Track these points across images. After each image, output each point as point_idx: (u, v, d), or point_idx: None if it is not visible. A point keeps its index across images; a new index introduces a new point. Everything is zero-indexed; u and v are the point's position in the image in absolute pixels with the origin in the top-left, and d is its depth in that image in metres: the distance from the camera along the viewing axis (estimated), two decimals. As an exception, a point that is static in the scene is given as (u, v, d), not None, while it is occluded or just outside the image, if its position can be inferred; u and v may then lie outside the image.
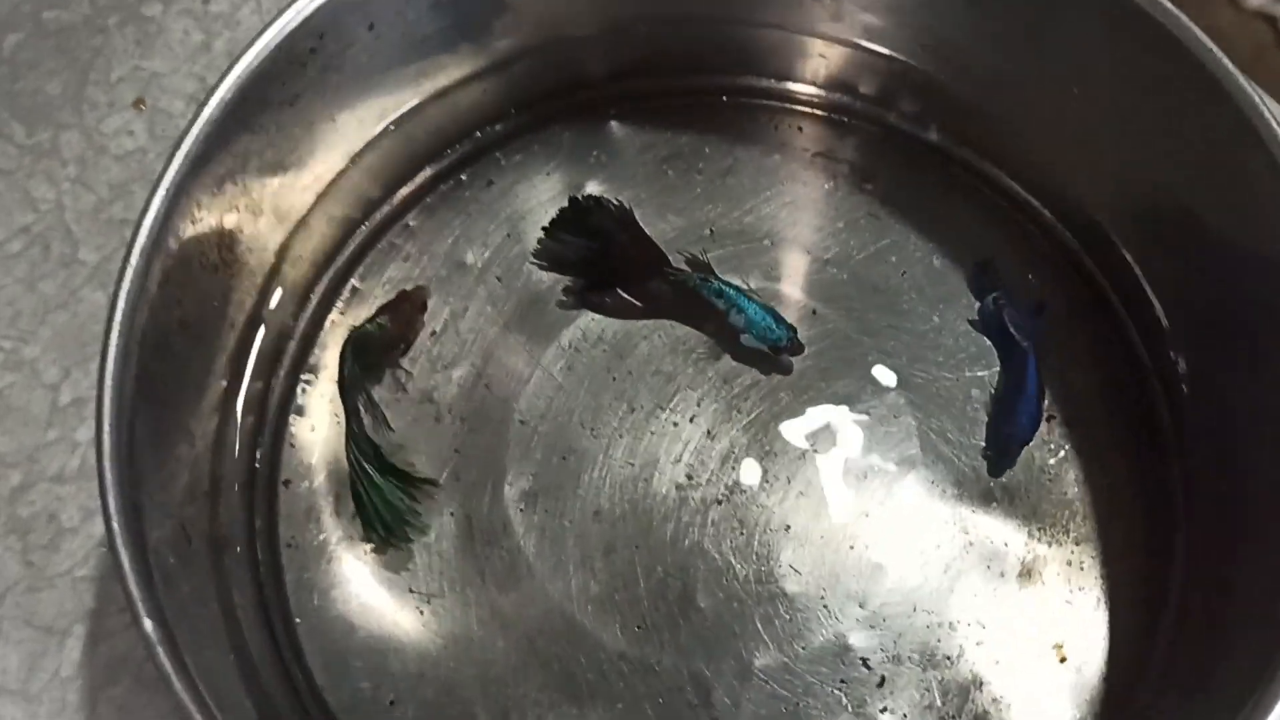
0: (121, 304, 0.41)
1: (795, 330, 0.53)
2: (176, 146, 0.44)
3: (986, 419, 0.53)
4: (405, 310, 0.55)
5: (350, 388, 0.53)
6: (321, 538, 0.52)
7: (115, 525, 0.38)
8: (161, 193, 0.43)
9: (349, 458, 0.52)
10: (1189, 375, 0.53)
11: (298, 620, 0.51)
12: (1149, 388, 0.54)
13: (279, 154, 0.50)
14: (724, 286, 0.54)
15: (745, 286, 0.54)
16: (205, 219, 0.46)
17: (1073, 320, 0.56)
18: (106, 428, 0.39)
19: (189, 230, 0.45)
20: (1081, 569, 0.51)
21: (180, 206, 0.43)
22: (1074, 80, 0.51)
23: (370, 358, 0.54)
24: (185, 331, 0.46)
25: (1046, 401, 0.53)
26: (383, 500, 0.51)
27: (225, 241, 0.48)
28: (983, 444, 0.53)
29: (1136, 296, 0.54)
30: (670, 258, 0.55)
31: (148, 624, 0.37)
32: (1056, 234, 0.57)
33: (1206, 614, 0.48)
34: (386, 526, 0.51)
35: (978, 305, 0.55)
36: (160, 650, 0.37)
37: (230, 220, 0.48)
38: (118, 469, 0.39)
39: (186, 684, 0.37)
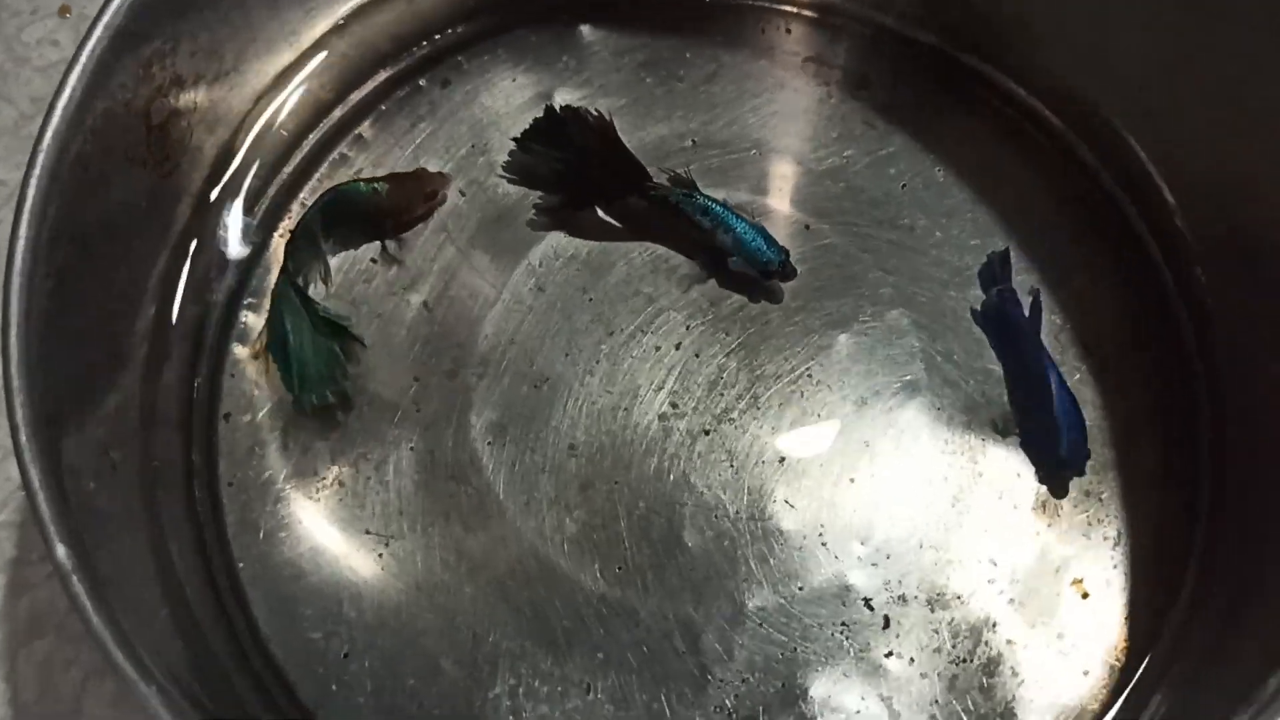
0: (33, 189, 0.36)
1: (788, 253, 0.49)
2: (98, 18, 0.38)
3: (1020, 438, 0.48)
4: (410, 187, 0.50)
5: (303, 235, 0.48)
6: (266, 475, 0.47)
7: (23, 438, 0.33)
8: (80, 67, 0.37)
9: (274, 296, 0.47)
10: (1210, 289, 0.49)
11: (240, 564, 0.46)
12: (1170, 307, 0.50)
13: (214, 40, 0.44)
14: (710, 203, 0.49)
15: (732, 204, 0.49)
16: (131, 103, 0.40)
17: (1086, 239, 0.52)
18: (14, 323, 0.33)
19: (112, 113, 0.39)
20: (1100, 500, 0.47)
21: (102, 84, 0.38)
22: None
23: (349, 220, 0.49)
24: (108, 233, 0.41)
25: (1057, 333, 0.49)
26: (310, 347, 0.47)
27: (156, 135, 0.43)
28: (983, 390, 0.49)
29: (1154, 203, 0.50)
30: (650, 172, 0.50)
31: (60, 550, 0.32)
32: (1067, 141, 0.53)
33: (1237, 543, 0.44)
34: (307, 379, 0.47)
35: (983, 298, 0.50)
36: (75, 579, 0.32)
37: (160, 110, 0.43)
38: (26, 373, 0.34)
39: (107, 621, 0.32)
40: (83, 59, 0.37)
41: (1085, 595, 0.46)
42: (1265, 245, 0.45)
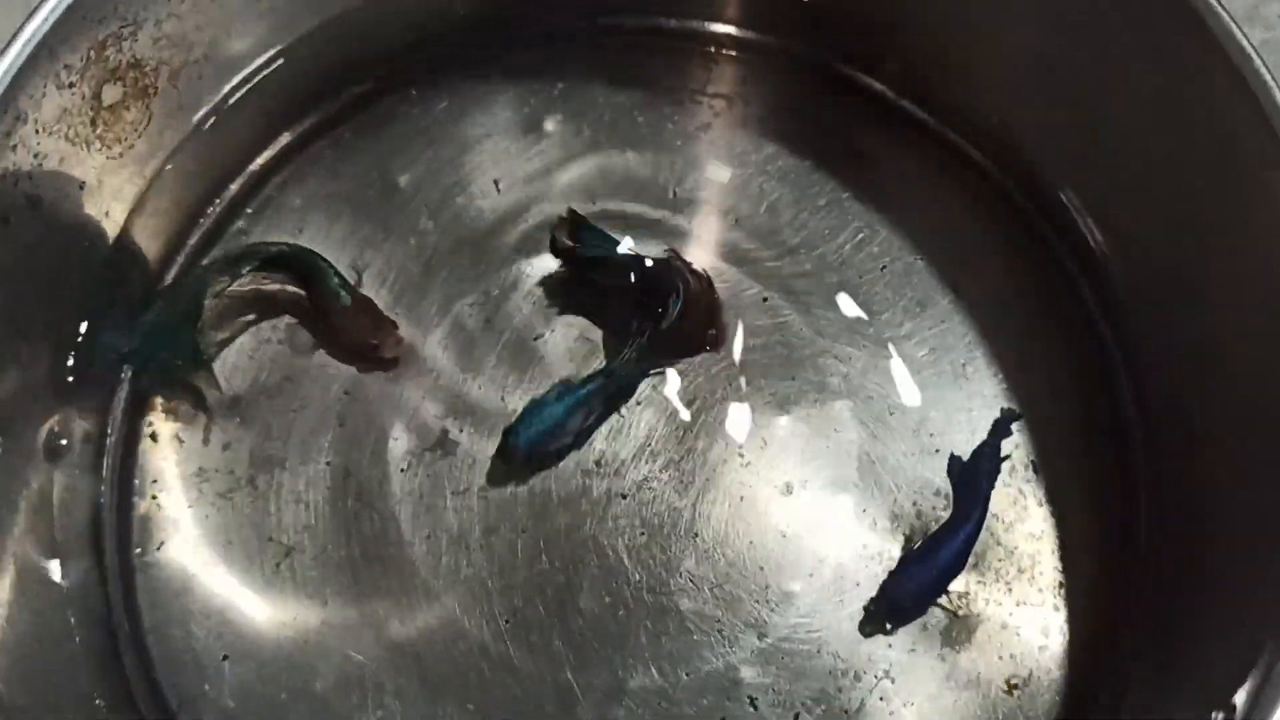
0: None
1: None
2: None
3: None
4: (358, 325, 0.48)
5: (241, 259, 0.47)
6: (183, 466, 0.47)
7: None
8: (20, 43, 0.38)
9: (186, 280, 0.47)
10: (1161, 401, 0.47)
11: (137, 550, 0.46)
12: (1119, 419, 0.48)
13: (182, 28, 0.44)
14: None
15: None
16: (78, 85, 0.41)
17: (1059, 350, 0.49)
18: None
19: (50, 90, 0.40)
20: (1018, 636, 0.45)
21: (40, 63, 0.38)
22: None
23: (310, 298, 0.48)
24: (36, 209, 0.41)
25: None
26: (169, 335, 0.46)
27: (104, 116, 0.43)
28: (914, 500, 0.47)
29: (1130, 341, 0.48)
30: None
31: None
32: (1058, 254, 0.51)
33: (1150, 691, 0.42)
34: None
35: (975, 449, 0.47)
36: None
37: (111, 93, 0.43)
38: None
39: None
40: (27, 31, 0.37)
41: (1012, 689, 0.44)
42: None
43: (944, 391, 0.49)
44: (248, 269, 0.48)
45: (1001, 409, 0.48)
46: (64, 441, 0.46)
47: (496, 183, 0.52)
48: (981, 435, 0.48)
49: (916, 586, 0.44)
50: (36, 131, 0.41)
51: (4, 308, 0.41)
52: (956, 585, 0.46)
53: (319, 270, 0.48)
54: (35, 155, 0.41)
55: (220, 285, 0.47)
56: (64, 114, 0.42)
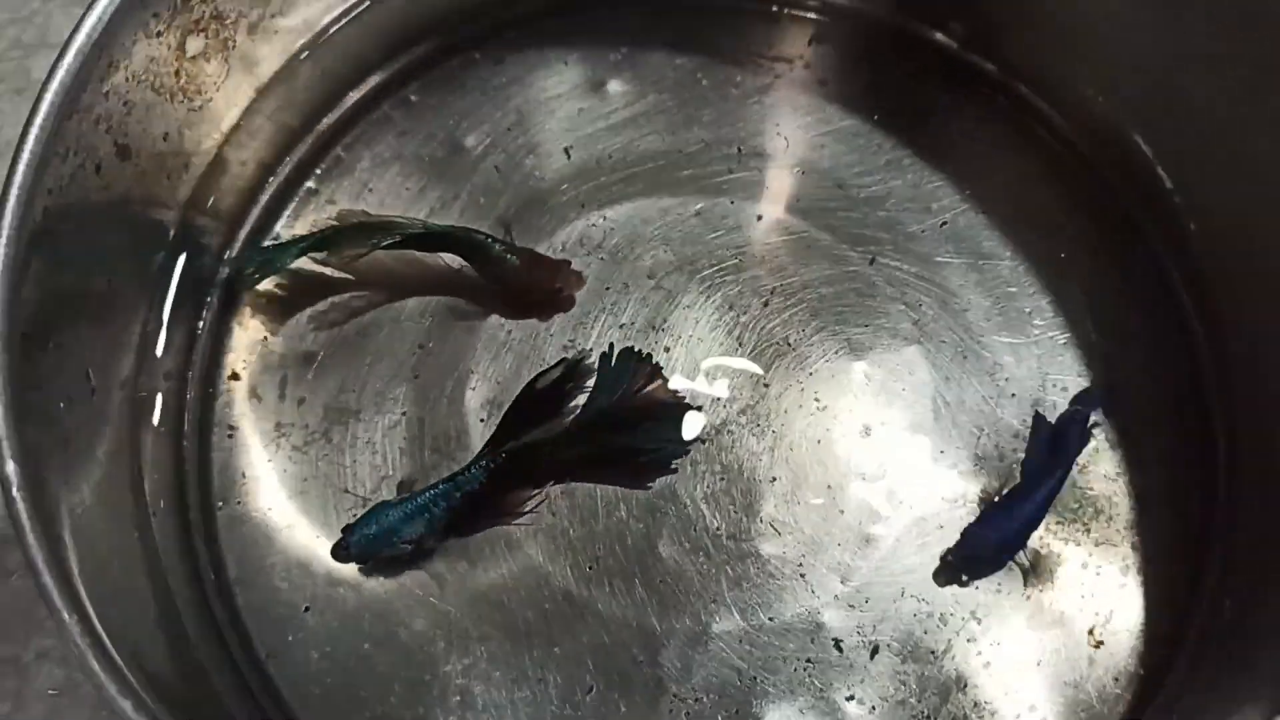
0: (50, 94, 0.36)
1: None
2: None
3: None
4: (537, 276, 0.48)
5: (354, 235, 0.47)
6: (259, 421, 0.48)
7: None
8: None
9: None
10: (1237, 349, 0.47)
11: (219, 505, 0.47)
12: (1197, 374, 0.48)
13: (261, -16, 0.45)
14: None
15: None
16: (165, 34, 0.41)
17: (1129, 300, 0.50)
18: (4, 233, 0.34)
19: (140, 38, 0.40)
20: (1098, 574, 0.46)
21: (132, 11, 0.39)
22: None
23: (478, 268, 0.48)
24: (125, 158, 0.42)
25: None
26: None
27: (186, 68, 0.44)
28: (996, 443, 0.47)
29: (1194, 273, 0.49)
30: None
31: (9, 466, 0.32)
32: (1126, 204, 0.51)
33: (1229, 639, 0.43)
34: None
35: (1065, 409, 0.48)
36: (19, 498, 0.32)
37: (195, 44, 0.43)
38: (9, 285, 0.35)
39: (41, 537, 0.32)
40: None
41: (1099, 645, 0.44)
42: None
43: (1013, 338, 0.49)
44: (387, 243, 0.47)
45: (1090, 385, 0.48)
46: (146, 395, 0.46)
47: (568, 150, 0.52)
48: (1052, 380, 0.48)
49: (999, 538, 0.45)
50: (127, 80, 0.42)
51: (97, 257, 0.42)
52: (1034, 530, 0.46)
53: (479, 244, 0.48)
54: (125, 104, 0.42)
55: (354, 249, 0.47)
56: (151, 63, 0.43)
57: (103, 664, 0.32)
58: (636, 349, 0.48)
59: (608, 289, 0.50)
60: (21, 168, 0.35)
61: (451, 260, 0.49)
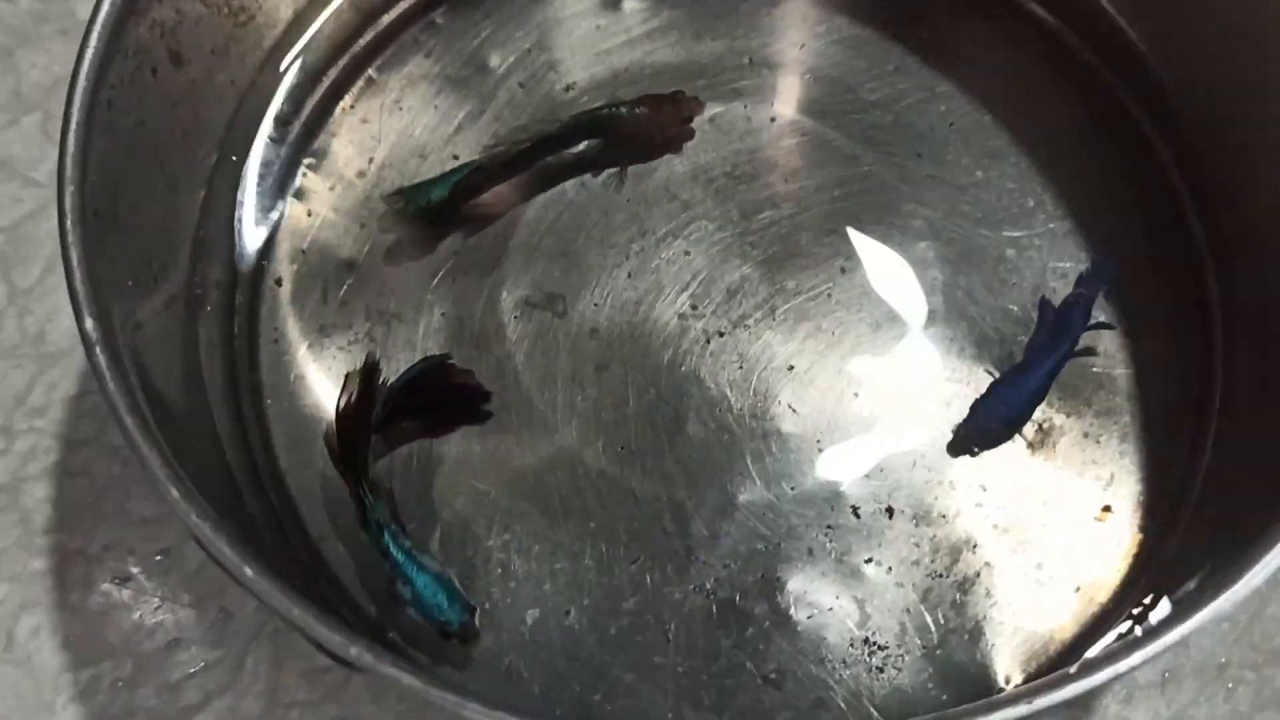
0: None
1: (474, 609, 0.46)
2: None
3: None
4: (667, 113, 0.53)
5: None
6: (304, 323, 0.52)
7: (68, 222, 0.38)
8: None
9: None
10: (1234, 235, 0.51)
11: (268, 402, 0.51)
12: (1193, 251, 0.52)
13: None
14: (390, 546, 0.45)
15: (417, 554, 0.46)
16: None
17: (1128, 191, 0.54)
18: (74, 122, 0.39)
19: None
20: (1098, 443, 0.50)
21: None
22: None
23: (612, 139, 0.53)
24: (178, 65, 0.46)
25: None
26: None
27: (233, -16, 0.48)
28: (997, 327, 0.52)
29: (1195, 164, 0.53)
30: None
31: (89, 322, 0.37)
32: (1121, 98, 0.55)
33: (1226, 516, 0.47)
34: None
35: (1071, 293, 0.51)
36: (100, 352, 0.37)
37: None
38: (78, 164, 0.39)
39: (126, 399, 0.37)
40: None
41: (1107, 509, 0.49)
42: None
43: (1017, 231, 0.53)
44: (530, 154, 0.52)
45: (1093, 259, 0.52)
46: (199, 293, 0.50)
47: (586, 65, 0.56)
48: (1053, 268, 0.52)
49: (1005, 411, 0.49)
50: (175, -6, 0.46)
51: (158, 157, 0.46)
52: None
53: (609, 116, 0.53)
54: (177, 11, 0.46)
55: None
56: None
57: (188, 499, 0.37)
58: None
59: (627, 200, 0.54)
60: (86, 62, 0.39)
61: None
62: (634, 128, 0.53)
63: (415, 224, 0.53)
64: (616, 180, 0.54)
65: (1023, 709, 0.34)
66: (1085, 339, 0.51)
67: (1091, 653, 0.46)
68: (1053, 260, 0.53)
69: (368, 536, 0.47)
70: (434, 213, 0.53)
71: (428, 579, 0.45)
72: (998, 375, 0.50)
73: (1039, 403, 0.50)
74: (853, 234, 0.53)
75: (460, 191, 0.52)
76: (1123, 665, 0.34)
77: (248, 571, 0.35)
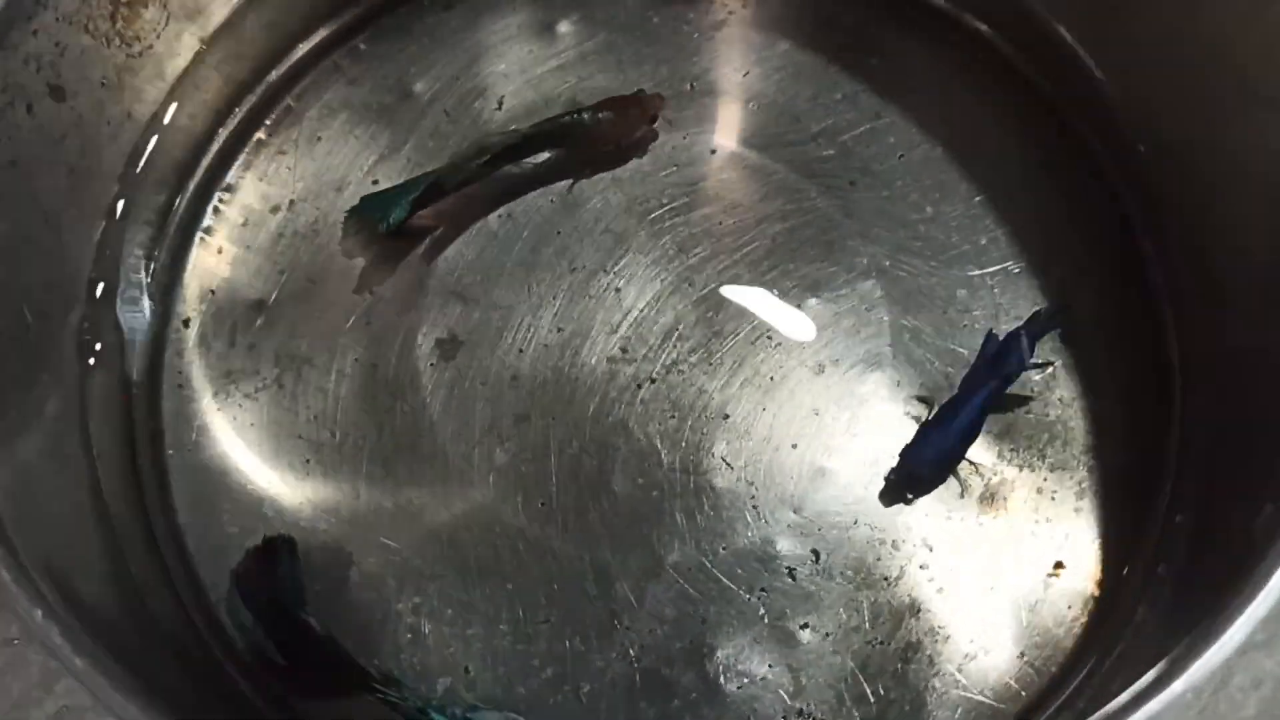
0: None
1: None
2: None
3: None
4: (632, 114, 0.51)
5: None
6: (209, 369, 0.50)
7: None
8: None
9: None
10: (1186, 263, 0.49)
11: (170, 453, 0.48)
12: (1151, 298, 0.50)
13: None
14: (420, 707, 0.43)
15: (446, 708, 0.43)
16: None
17: (1081, 227, 0.51)
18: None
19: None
20: (1053, 499, 0.47)
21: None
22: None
23: (576, 146, 0.51)
24: (60, 99, 0.43)
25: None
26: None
27: (122, 13, 0.45)
28: (946, 373, 0.49)
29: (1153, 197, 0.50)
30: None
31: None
32: (1080, 133, 0.53)
33: (1185, 560, 0.44)
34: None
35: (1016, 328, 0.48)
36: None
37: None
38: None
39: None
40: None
41: (1060, 566, 0.46)
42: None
43: (967, 270, 0.51)
44: (494, 162, 0.50)
45: (1042, 307, 0.49)
46: (90, 339, 0.48)
47: (516, 91, 0.54)
48: (1007, 308, 0.49)
49: (934, 454, 0.46)
50: (56, 20, 0.43)
51: (35, 198, 0.44)
52: (987, 456, 0.47)
53: (572, 124, 0.51)
54: (57, 44, 0.44)
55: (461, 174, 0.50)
56: (83, 5, 0.44)
57: (46, 611, 0.33)
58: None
59: (557, 233, 0.51)
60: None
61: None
62: (598, 133, 0.51)
63: (375, 240, 0.51)
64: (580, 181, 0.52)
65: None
66: (1037, 386, 0.48)
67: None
68: (1006, 300, 0.50)
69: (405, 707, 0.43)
70: (397, 230, 0.50)
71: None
72: (928, 417, 0.47)
73: (971, 441, 0.47)
74: (796, 274, 0.50)
75: (418, 204, 0.50)
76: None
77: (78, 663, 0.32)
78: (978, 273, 0.51)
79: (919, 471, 0.46)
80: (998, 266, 0.51)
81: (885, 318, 0.50)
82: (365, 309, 0.51)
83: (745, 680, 0.45)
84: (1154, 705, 0.34)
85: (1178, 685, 0.34)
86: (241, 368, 0.50)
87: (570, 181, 0.52)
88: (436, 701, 0.43)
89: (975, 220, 0.51)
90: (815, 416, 0.48)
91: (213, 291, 0.51)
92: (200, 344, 0.50)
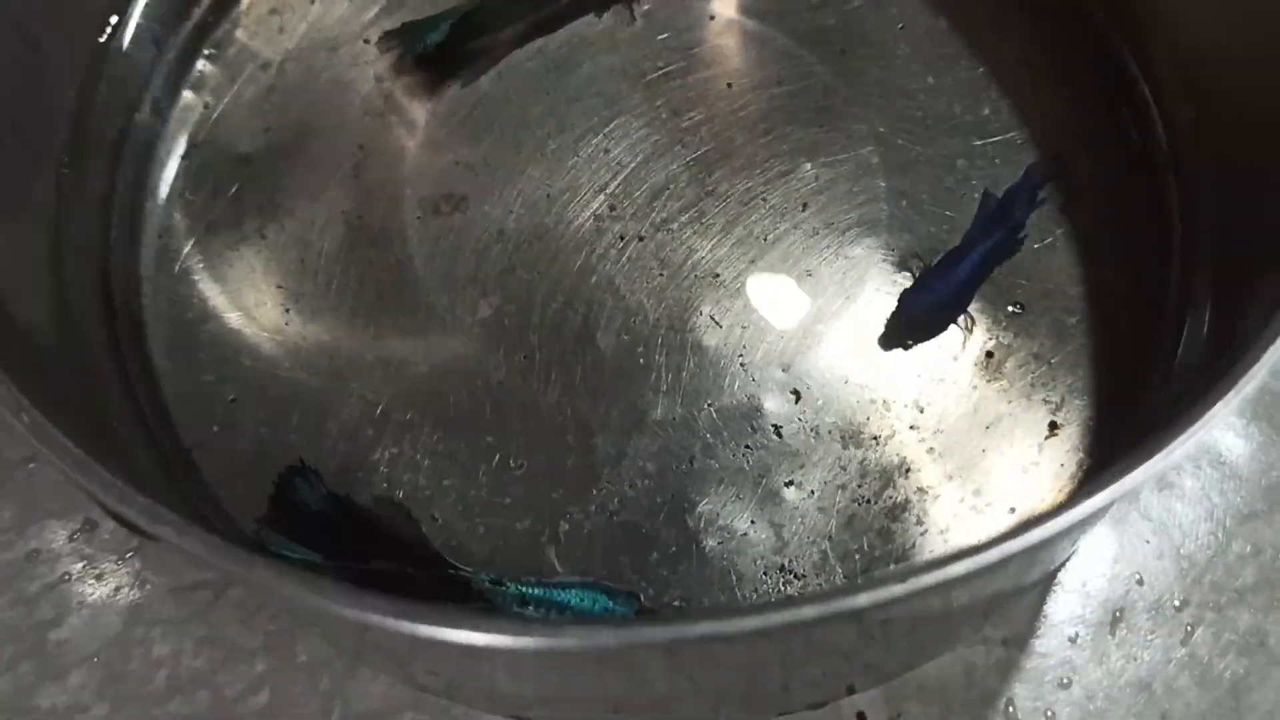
0: None
1: (638, 596, 0.42)
2: None
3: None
4: None
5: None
6: (193, 215, 0.49)
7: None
8: None
9: None
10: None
11: (144, 298, 0.47)
12: (1152, 160, 0.48)
13: None
14: (526, 591, 0.41)
15: (554, 581, 0.42)
16: None
17: (1083, 103, 0.50)
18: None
19: None
20: (1049, 365, 0.46)
21: None
22: None
23: None
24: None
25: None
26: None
27: None
28: (944, 237, 0.47)
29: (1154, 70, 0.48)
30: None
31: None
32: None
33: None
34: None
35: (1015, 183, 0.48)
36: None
37: None
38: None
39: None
40: None
41: (1054, 428, 0.44)
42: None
43: (969, 139, 0.49)
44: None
45: (1037, 161, 0.48)
46: (74, 186, 0.47)
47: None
48: (1008, 179, 0.48)
49: (935, 299, 0.45)
50: None
51: (19, 26, 0.43)
52: (984, 319, 0.46)
53: None
54: None
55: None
56: None
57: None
58: None
59: (547, 94, 0.50)
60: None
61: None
62: None
63: (411, 70, 0.50)
64: (628, 15, 0.51)
65: (964, 565, 0.28)
66: (1036, 251, 0.47)
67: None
68: (1007, 172, 0.49)
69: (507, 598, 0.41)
70: (430, 57, 0.50)
71: (578, 593, 0.41)
72: (928, 265, 0.46)
73: (972, 292, 0.45)
74: (793, 139, 0.49)
75: (457, 34, 0.49)
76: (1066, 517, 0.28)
77: (24, 418, 0.30)
78: (979, 143, 0.49)
79: (918, 316, 0.45)
80: (999, 137, 0.49)
81: (882, 184, 0.49)
82: (354, 164, 0.50)
83: (726, 536, 0.43)
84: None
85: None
86: (224, 219, 0.49)
87: (561, 45, 0.51)
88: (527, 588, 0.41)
89: (977, 91, 0.50)
90: (807, 277, 0.47)
91: (197, 145, 0.50)
92: (183, 194, 0.49)
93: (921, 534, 0.43)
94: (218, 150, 0.50)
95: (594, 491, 0.44)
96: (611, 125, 0.50)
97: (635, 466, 0.44)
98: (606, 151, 0.49)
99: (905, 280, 0.47)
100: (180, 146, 0.50)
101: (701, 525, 0.44)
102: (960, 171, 0.49)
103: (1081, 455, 0.44)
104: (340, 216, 0.49)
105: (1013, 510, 0.43)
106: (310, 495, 0.43)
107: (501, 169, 0.49)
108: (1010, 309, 0.46)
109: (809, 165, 0.49)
